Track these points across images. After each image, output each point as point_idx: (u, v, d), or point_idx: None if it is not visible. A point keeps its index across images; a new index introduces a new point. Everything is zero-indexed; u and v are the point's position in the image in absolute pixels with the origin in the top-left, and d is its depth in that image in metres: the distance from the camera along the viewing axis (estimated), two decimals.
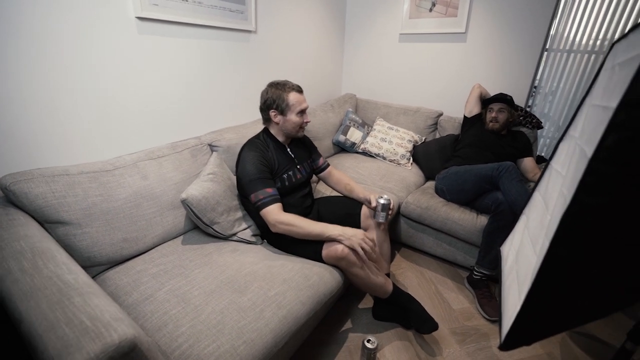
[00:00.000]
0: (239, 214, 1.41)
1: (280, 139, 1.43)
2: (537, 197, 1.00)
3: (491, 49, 2.19)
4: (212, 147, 1.61)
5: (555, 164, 0.95)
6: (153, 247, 1.30)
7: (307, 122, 1.40)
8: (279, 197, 1.27)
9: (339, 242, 1.22)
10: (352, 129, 2.46)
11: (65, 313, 0.65)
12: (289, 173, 1.40)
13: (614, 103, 0.62)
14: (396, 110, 2.54)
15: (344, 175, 1.61)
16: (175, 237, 1.38)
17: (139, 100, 1.45)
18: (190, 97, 1.65)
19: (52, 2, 1.12)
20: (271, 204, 1.24)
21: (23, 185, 1.02)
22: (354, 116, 2.51)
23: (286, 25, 2.13)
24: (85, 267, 1.12)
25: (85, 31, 1.22)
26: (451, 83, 2.40)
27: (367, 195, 1.45)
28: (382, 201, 1.33)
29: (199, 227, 1.39)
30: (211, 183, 1.36)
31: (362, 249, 1.18)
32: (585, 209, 0.57)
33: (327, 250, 1.26)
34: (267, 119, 1.40)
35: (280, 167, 1.38)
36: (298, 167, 1.45)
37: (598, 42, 2.48)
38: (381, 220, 1.37)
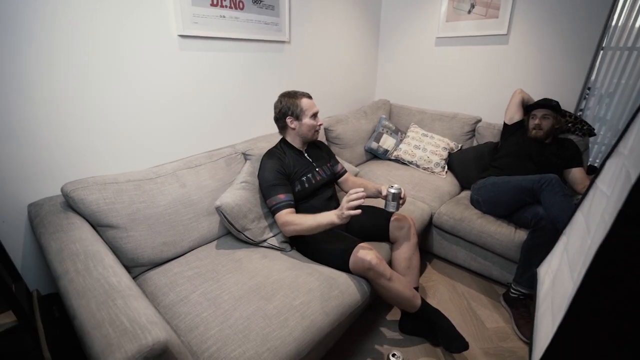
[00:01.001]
0: (269, 221, 1.46)
1: (297, 145, 1.51)
2: (579, 218, 0.93)
3: (536, 50, 2.06)
4: (245, 156, 1.67)
5: (600, 183, 0.88)
6: (189, 251, 1.38)
7: (320, 125, 1.48)
8: (293, 203, 1.34)
9: (333, 222, 1.20)
10: (384, 135, 2.43)
11: (109, 314, 0.73)
12: (308, 176, 1.46)
13: None
14: (431, 116, 2.47)
15: (359, 179, 1.67)
16: (209, 242, 1.46)
17: (180, 111, 1.56)
18: (226, 108, 1.74)
19: (111, 27, 1.25)
20: (283, 209, 1.31)
21: (80, 193, 1.14)
22: (387, 123, 2.48)
23: (319, 33, 2.16)
24: (129, 267, 1.23)
25: (134, 51, 1.34)
26: (491, 88, 2.29)
27: (378, 186, 1.46)
28: (392, 190, 1.27)
29: (231, 233, 1.46)
30: (244, 191, 1.43)
31: (352, 202, 1.14)
32: (623, 242, 0.53)
33: (354, 260, 1.26)
34: (283, 127, 1.49)
35: (299, 171, 1.45)
36: (317, 169, 1.51)
37: None
38: (392, 209, 1.30)
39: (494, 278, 1.73)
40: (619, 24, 2.37)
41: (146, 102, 1.43)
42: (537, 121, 1.79)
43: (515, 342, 1.41)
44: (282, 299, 1.11)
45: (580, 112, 2.09)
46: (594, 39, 1.88)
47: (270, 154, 1.46)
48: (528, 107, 1.88)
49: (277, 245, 1.43)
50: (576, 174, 1.74)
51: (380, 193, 1.42)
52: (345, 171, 1.68)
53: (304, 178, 1.45)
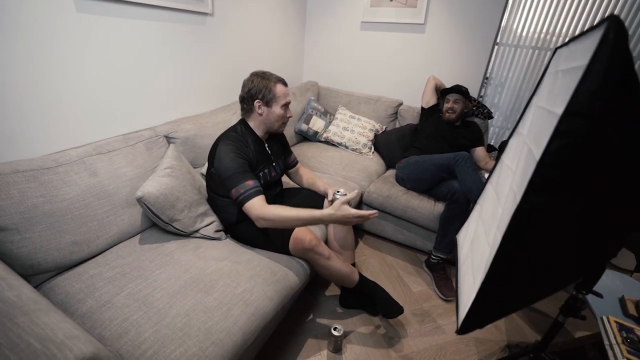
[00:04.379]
0: (201, 209, 1.36)
1: (260, 133, 1.37)
2: (489, 189, 1.08)
3: (448, 41, 2.27)
4: (168, 139, 1.52)
5: (506, 158, 1.02)
6: (108, 249, 1.21)
7: (289, 117, 1.37)
8: (262, 189, 1.22)
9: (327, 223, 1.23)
10: (314, 117, 2.44)
11: (9, 337, 0.59)
12: (265, 171, 1.37)
13: (557, 109, 0.68)
14: (358, 99, 2.56)
15: (308, 171, 1.63)
16: (132, 236, 1.30)
17: (82, 87, 1.31)
18: (141, 85, 1.53)
19: None
20: (253, 196, 1.18)
21: None
22: (316, 104, 2.49)
23: (245, 8, 2.02)
24: (27, 276, 1.02)
25: (12, 9, 1.06)
26: (411, 73, 2.46)
27: (326, 187, 1.49)
28: (337, 196, 1.35)
29: (157, 224, 1.32)
30: (169, 178, 1.29)
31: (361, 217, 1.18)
32: (532, 208, 0.62)
33: (293, 242, 1.26)
34: (249, 110, 1.33)
35: (258, 164, 1.33)
36: (273, 164, 1.43)
37: (541, 38, 2.67)
38: None
39: (417, 248, 1.92)
40: (508, 23, 2.75)
41: (37, 74, 1.16)
42: (449, 105, 1.99)
43: (436, 301, 1.61)
44: (222, 289, 1.06)
45: (481, 98, 2.39)
46: (491, 35, 2.14)
47: (228, 138, 1.28)
48: (442, 92, 2.08)
49: (211, 235, 1.34)
50: (479, 152, 2.01)
51: (327, 194, 1.45)
52: (297, 162, 1.61)
53: (260, 173, 1.34)
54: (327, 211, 1.17)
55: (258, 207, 1.17)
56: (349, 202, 1.39)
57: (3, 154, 1.14)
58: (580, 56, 0.64)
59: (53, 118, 1.25)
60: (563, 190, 0.60)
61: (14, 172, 1.02)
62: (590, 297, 1.05)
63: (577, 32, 2.52)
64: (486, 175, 1.77)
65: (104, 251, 1.20)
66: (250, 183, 1.21)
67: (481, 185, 1.52)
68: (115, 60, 1.40)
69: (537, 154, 0.67)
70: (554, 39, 2.61)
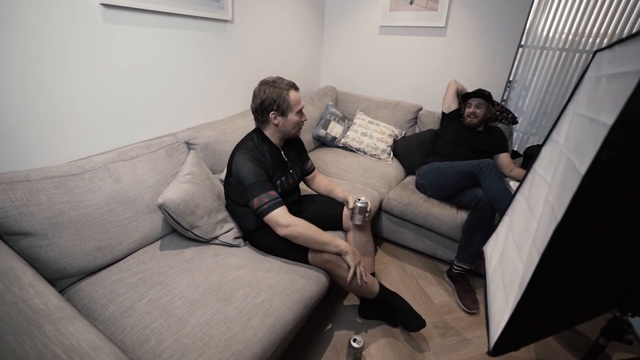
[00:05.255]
0: (220, 216, 1.36)
1: (275, 141, 1.34)
2: (520, 200, 1.02)
3: (470, 44, 2.22)
4: (189, 145, 1.53)
5: (538, 168, 0.97)
6: (129, 254, 1.23)
7: (305, 121, 1.35)
8: (282, 200, 1.22)
9: (344, 254, 1.22)
10: (332, 122, 2.42)
11: (36, 345, 0.59)
12: (282, 179, 1.35)
13: (603, 117, 0.63)
14: (376, 104, 2.53)
15: (325, 178, 1.60)
16: (152, 242, 1.31)
17: (107, 95, 1.34)
18: (163, 91, 1.55)
19: None
20: (275, 207, 1.18)
21: None
22: (334, 110, 2.48)
23: (264, 14, 2.04)
24: (54, 280, 1.04)
25: (44, 20, 1.09)
26: (431, 77, 2.41)
27: (346, 195, 1.45)
28: (359, 204, 1.32)
29: (177, 230, 1.32)
30: (189, 184, 1.30)
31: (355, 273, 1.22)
32: (576, 224, 0.58)
33: (313, 253, 1.24)
34: (264, 121, 1.30)
35: (275, 172, 1.31)
36: (290, 171, 1.41)
37: (569, 40, 2.56)
38: (358, 222, 1.36)
39: (438, 257, 1.86)
40: (534, 25, 2.66)
41: (63, 83, 1.19)
42: (471, 109, 1.93)
43: (458, 314, 1.55)
44: (242, 298, 1.05)
45: (504, 102, 2.32)
46: (515, 37, 2.08)
47: (245, 148, 1.27)
48: (464, 96, 2.03)
49: (230, 242, 1.34)
50: (503, 158, 1.94)
51: (347, 202, 1.41)
52: (314, 168, 1.58)
53: (278, 182, 1.32)
54: (345, 243, 1.23)
55: (283, 218, 1.17)
56: (367, 212, 1.36)
57: (30, 160, 1.17)
58: (630, 61, 0.60)
59: (78, 125, 1.28)
60: (611, 206, 0.55)
61: (42, 178, 1.04)
62: (636, 320, 0.97)
63: (611, 32, 2.40)
64: (511, 183, 1.70)
65: (125, 256, 1.21)
66: (273, 194, 1.20)
67: (507, 194, 1.46)
68: (138, 69, 1.42)
69: (581, 166, 0.63)
70: (583, 40, 2.50)
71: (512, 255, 0.89)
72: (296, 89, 1.29)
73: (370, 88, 2.68)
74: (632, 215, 0.58)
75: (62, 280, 1.06)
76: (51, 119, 1.19)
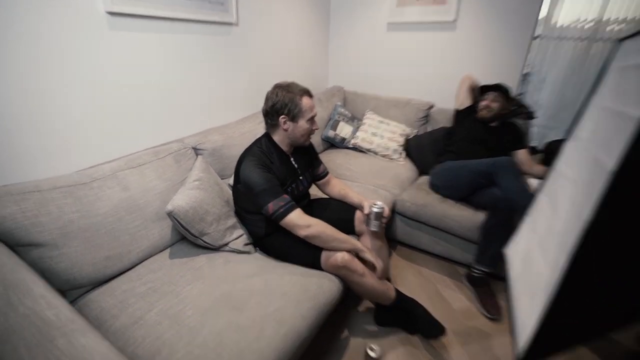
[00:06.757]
0: (230, 222, 1.36)
1: (285, 147, 1.34)
2: (542, 200, 0.99)
3: (481, 37, 2.18)
4: (196, 151, 1.54)
5: (562, 165, 0.94)
6: (139, 263, 1.24)
7: (315, 129, 1.34)
8: (296, 203, 1.23)
9: (361, 252, 1.24)
10: (341, 123, 2.42)
11: (49, 359, 0.60)
12: (292, 186, 1.35)
13: (632, 110, 0.61)
14: (386, 102, 2.51)
15: (339, 182, 1.58)
16: (161, 250, 1.32)
17: (114, 102, 1.36)
18: (168, 97, 1.57)
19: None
20: (293, 209, 1.19)
21: None
22: (342, 110, 2.47)
23: (269, 16, 2.05)
24: (64, 291, 1.06)
25: (51, 30, 1.12)
26: (441, 73, 2.38)
27: (361, 200, 1.43)
28: (374, 209, 1.30)
29: (186, 238, 1.33)
30: (198, 191, 1.30)
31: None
32: (607, 224, 0.56)
33: (326, 258, 1.23)
34: (273, 125, 1.30)
35: (285, 180, 1.31)
36: (300, 177, 1.40)
37: (587, 28, 2.50)
38: (374, 229, 1.34)
39: (456, 260, 1.83)
40: (549, 14, 2.61)
41: (70, 91, 1.22)
42: (487, 102, 1.89)
43: (480, 320, 1.52)
44: (254, 307, 1.05)
45: (520, 96, 2.27)
46: (528, 28, 2.03)
47: (253, 155, 1.27)
48: (483, 88, 1.97)
49: (240, 249, 1.34)
50: (521, 155, 1.90)
51: (362, 207, 1.39)
52: (328, 173, 1.56)
53: (288, 189, 1.32)
54: (360, 243, 1.27)
55: (302, 219, 1.19)
56: (383, 217, 1.34)
57: (39, 170, 1.19)
58: None
59: (86, 133, 1.30)
60: None
61: (52, 188, 1.06)
62: None
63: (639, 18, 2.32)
64: (531, 181, 1.66)
65: (135, 265, 1.23)
66: (286, 197, 1.20)
67: (528, 193, 1.43)
68: (143, 75, 1.44)
69: (609, 162, 0.60)
70: (604, 27, 2.43)
71: (536, 258, 0.86)
72: (310, 95, 1.29)
73: (379, 86, 2.66)
74: None
75: (73, 291, 1.08)
76: (57, 127, 1.22)
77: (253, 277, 1.18)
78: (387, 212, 1.34)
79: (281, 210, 1.18)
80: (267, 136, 1.34)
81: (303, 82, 1.36)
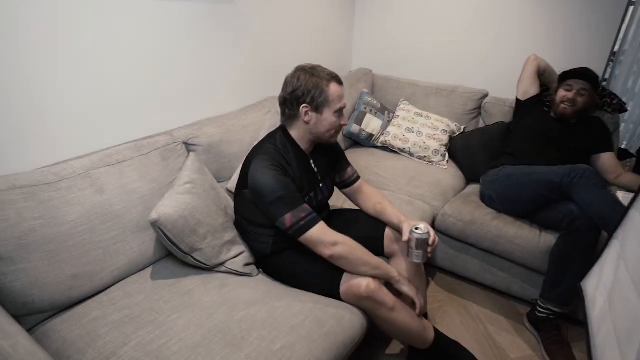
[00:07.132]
0: (227, 236, 1.37)
1: (304, 146, 1.35)
2: (636, 218, 0.96)
3: (555, 3, 2.15)
4: (188, 146, 1.57)
5: None
6: (113, 284, 1.26)
7: (344, 125, 1.35)
8: (318, 215, 1.23)
9: (396, 283, 1.25)
10: (368, 115, 2.42)
11: None
12: (310, 195, 1.36)
13: None
14: (425, 90, 2.52)
15: (376, 191, 1.56)
16: (142, 269, 1.34)
17: (88, 84, 1.39)
18: (158, 78, 1.61)
19: None
20: (316, 222, 1.19)
21: None
22: (370, 99, 2.48)
23: None
24: (19, 317, 1.07)
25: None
26: (499, 53, 2.38)
27: (402, 221, 1.39)
28: (416, 235, 1.27)
29: (173, 254, 1.34)
30: (189, 196, 1.32)
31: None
32: None
33: (347, 286, 1.23)
34: (292, 116, 1.30)
35: (302, 187, 1.32)
36: (320, 185, 1.41)
37: None
38: (417, 260, 1.30)
39: (514, 294, 1.80)
40: None
41: (34, 67, 1.25)
42: (571, 95, 1.83)
43: None
44: (256, 344, 1.05)
45: (605, 82, 2.21)
46: None
47: (265, 153, 1.28)
48: (564, 74, 1.91)
49: (239, 269, 1.35)
50: (607, 160, 1.86)
51: (401, 229, 1.35)
52: (359, 177, 1.55)
53: (306, 198, 1.32)
54: (397, 272, 1.27)
55: (328, 238, 1.19)
56: (429, 245, 1.30)
57: None
58: None
59: (51, 119, 1.32)
60: None
61: (10, 188, 1.08)
62: None
63: None
64: (619, 194, 1.61)
65: (109, 287, 1.24)
66: (307, 207, 1.21)
67: (615, 209, 1.38)
68: (124, 52, 1.47)
69: None
70: None
71: (628, 295, 0.83)
72: (339, 82, 1.29)
73: (416, 70, 2.67)
74: None
75: (30, 316, 1.09)
76: (17, 111, 1.24)
77: (255, 305, 1.18)
78: (433, 237, 1.31)
79: (302, 223, 1.18)
80: (283, 130, 1.35)
81: (322, 63, 1.36)
